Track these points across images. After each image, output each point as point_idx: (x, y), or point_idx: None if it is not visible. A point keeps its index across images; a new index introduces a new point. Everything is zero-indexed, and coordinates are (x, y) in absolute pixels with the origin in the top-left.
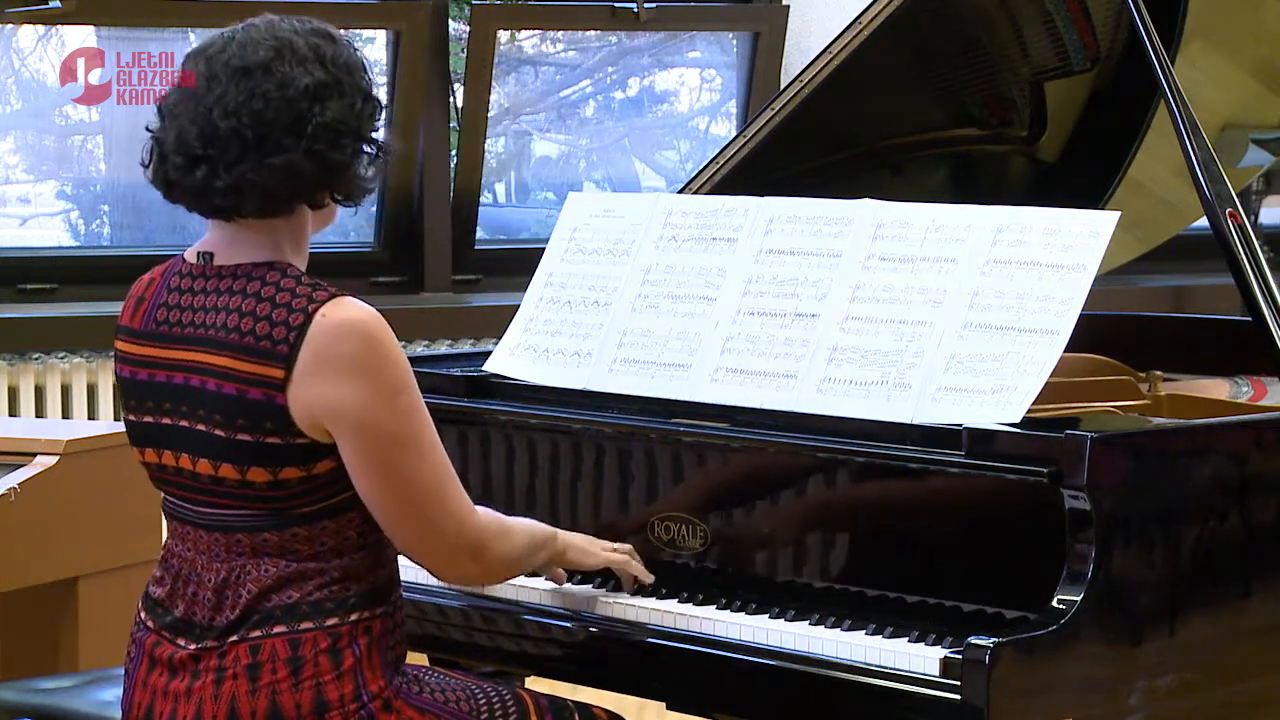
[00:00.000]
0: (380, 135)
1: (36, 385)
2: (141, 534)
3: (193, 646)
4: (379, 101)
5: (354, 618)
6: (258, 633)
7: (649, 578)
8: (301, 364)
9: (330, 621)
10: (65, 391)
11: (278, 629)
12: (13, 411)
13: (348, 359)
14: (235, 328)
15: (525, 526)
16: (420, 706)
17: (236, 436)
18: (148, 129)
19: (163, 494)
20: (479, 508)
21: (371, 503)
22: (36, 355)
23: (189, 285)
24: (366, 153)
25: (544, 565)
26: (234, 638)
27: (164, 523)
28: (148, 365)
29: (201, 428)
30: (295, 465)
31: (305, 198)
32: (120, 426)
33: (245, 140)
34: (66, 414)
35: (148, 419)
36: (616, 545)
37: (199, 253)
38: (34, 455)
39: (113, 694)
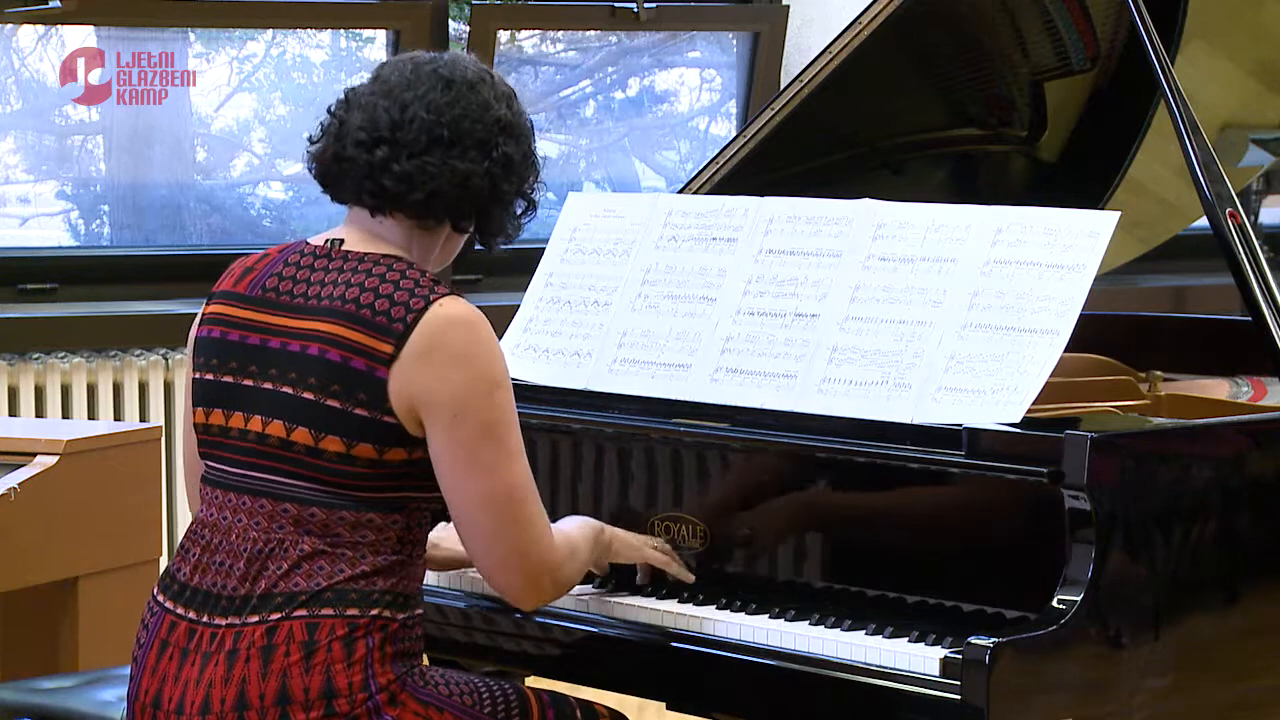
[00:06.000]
0: (535, 195)
1: (36, 385)
2: (141, 534)
3: (209, 619)
4: (539, 170)
5: (374, 613)
6: (278, 615)
7: (689, 578)
8: (412, 345)
9: (351, 612)
10: (65, 391)
11: (298, 613)
12: (13, 411)
13: (454, 347)
14: (354, 300)
15: (583, 536)
16: (424, 700)
17: (325, 401)
18: (328, 110)
19: (207, 464)
20: None
21: (455, 503)
22: (36, 355)
23: (310, 263)
24: (520, 202)
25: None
26: (254, 618)
27: (164, 521)
28: (241, 327)
29: (288, 390)
30: (371, 443)
31: (458, 215)
32: (120, 426)
33: (438, 137)
34: (66, 414)
35: (226, 379)
36: (657, 543)
37: (328, 239)
38: (34, 455)
39: (113, 694)
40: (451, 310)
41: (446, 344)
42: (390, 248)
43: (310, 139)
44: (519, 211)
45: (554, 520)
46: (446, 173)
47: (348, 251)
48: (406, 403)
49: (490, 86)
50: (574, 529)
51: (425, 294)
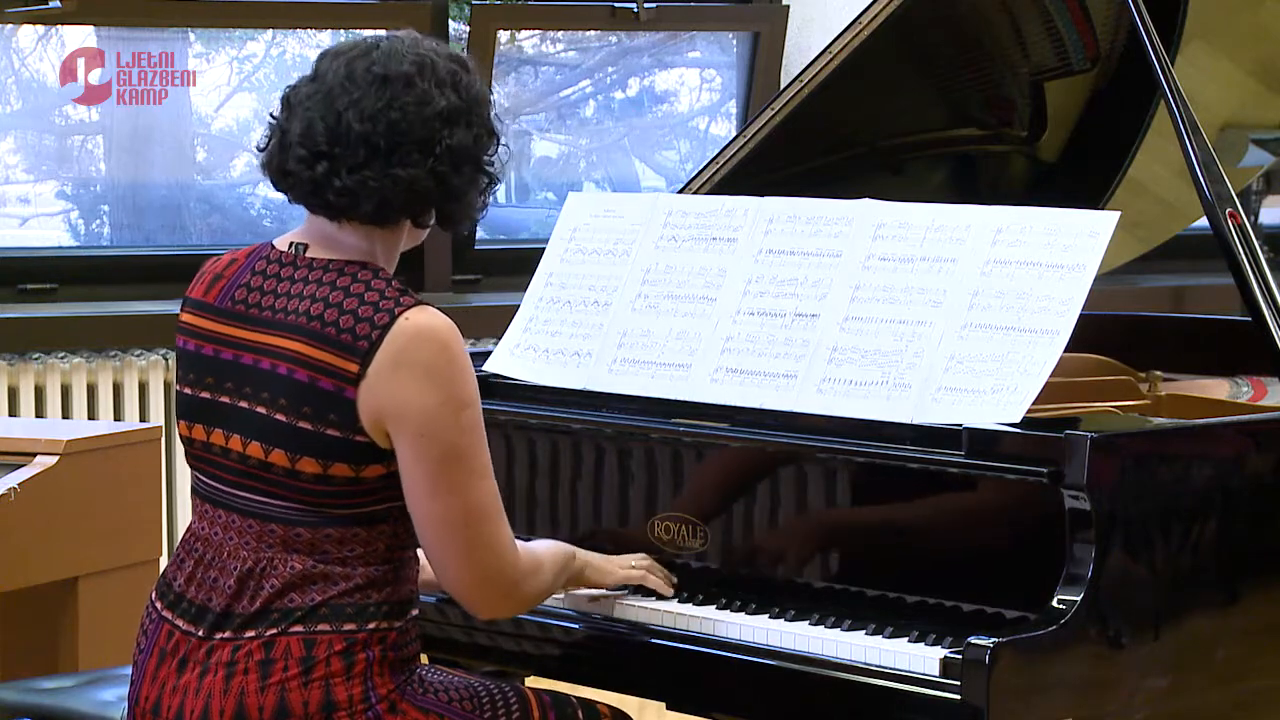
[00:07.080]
0: (495, 169)
1: (36, 385)
2: (141, 534)
3: (203, 633)
4: (499, 137)
5: (371, 626)
6: (274, 630)
7: (668, 591)
8: (378, 363)
9: (348, 627)
10: (65, 391)
11: (294, 629)
12: (13, 411)
13: (424, 364)
14: (318, 316)
15: (552, 556)
16: (424, 707)
17: (297, 423)
18: (271, 115)
19: (195, 474)
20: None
21: (419, 520)
22: (36, 355)
23: (275, 271)
24: (480, 183)
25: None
26: (250, 633)
27: (164, 521)
28: (216, 341)
29: (262, 410)
30: (347, 463)
31: (414, 213)
32: (121, 426)
33: (375, 147)
34: (66, 414)
35: (204, 395)
36: (635, 560)
37: (292, 243)
38: (34, 455)
39: (113, 694)
40: (418, 322)
41: (415, 359)
42: (352, 253)
43: (259, 146)
44: (481, 188)
45: (532, 537)
46: (388, 183)
47: (312, 259)
48: (375, 417)
49: (429, 75)
50: (542, 550)
51: (390, 307)
